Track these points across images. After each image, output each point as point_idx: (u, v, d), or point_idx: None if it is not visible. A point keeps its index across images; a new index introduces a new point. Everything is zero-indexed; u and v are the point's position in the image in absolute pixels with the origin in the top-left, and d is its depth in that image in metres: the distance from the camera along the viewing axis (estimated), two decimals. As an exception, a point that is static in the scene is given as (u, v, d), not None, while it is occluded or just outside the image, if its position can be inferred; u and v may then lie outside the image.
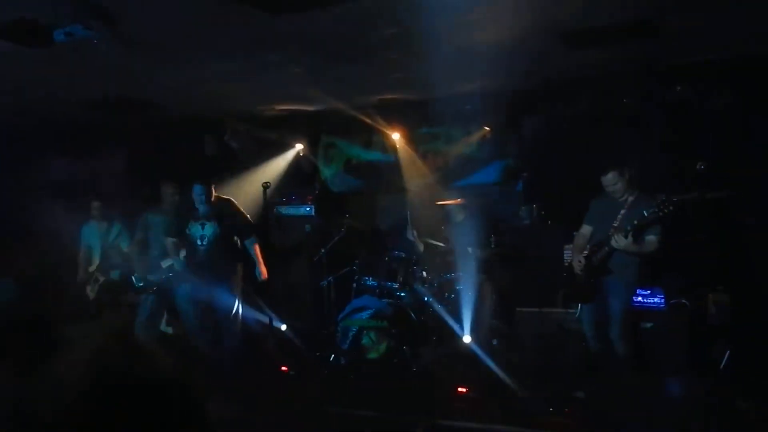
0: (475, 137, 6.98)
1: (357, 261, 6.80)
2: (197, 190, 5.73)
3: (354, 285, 6.63)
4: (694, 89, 5.64)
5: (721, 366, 5.27)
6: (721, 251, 5.76)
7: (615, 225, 5.02)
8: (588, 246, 5.19)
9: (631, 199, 5.06)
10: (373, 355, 5.74)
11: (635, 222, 4.83)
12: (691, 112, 5.67)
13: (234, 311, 5.84)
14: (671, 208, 4.69)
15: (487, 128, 6.89)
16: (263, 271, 5.92)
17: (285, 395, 4.99)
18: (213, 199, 5.87)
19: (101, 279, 6.65)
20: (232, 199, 6.02)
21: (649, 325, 5.65)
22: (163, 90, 6.04)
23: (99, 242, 6.71)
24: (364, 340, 5.78)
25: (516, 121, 6.69)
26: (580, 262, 5.19)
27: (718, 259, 5.75)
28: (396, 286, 6.28)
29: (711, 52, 5.21)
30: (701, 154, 5.49)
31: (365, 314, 5.86)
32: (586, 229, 5.33)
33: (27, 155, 7.42)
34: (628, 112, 5.83)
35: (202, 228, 5.83)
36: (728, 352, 5.29)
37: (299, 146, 7.83)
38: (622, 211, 5.04)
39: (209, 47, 4.84)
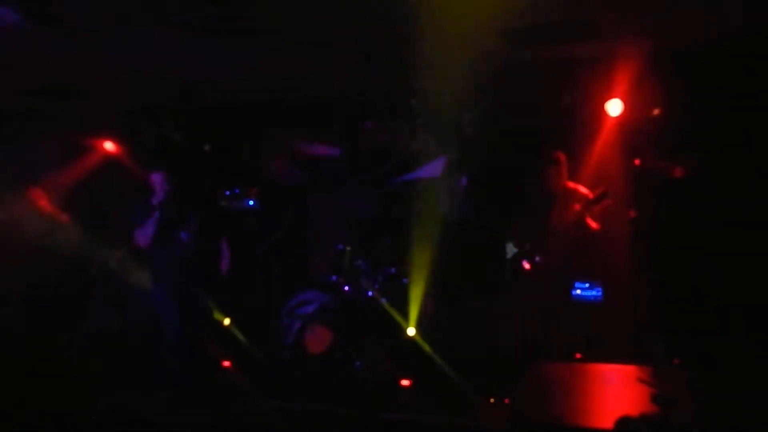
0: (420, 132, 7.01)
1: (300, 255, 6.76)
2: (157, 178, 5.48)
3: (297, 279, 6.59)
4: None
5: (657, 357, 5.45)
6: (657, 244, 5.95)
7: (553, 216, 5.18)
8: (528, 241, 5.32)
9: (563, 189, 5.25)
10: (316, 350, 5.71)
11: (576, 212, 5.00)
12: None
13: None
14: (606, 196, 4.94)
15: (432, 123, 6.92)
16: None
17: (227, 389, 4.92)
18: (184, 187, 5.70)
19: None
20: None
21: (587, 317, 5.80)
22: (99, 77, 5.86)
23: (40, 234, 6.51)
24: (307, 335, 5.74)
25: (460, 116, 6.74)
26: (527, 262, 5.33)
27: (653, 253, 5.94)
28: (340, 279, 6.25)
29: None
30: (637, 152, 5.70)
31: (310, 308, 5.82)
32: (522, 220, 5.49)
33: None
34: (565, 107, 5.97)
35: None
36: (663, 343, 5.48)
37: (243, 138, 7.71)
38: (556, 201, 5.20)
39: (147, 35, 4.72)
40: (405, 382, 5.30)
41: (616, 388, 3.34)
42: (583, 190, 5.30)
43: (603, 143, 5.78)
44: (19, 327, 6.09)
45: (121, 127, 7.37)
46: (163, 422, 4.41)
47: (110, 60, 5.30)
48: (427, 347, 5.70)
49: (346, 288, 6.20)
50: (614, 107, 5.62)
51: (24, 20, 4.12)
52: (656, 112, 5.68)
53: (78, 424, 4.07)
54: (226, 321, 6.37)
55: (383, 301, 6.04)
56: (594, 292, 5.92)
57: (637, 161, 5.69)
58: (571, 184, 5.38)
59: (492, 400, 4.85)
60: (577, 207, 5.08)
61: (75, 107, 6.96)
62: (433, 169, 7.25)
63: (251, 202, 7.78)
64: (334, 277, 6.29)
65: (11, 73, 5.58)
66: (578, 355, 5.33)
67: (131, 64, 5.44)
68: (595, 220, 5.14)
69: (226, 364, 5.75)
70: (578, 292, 5.90)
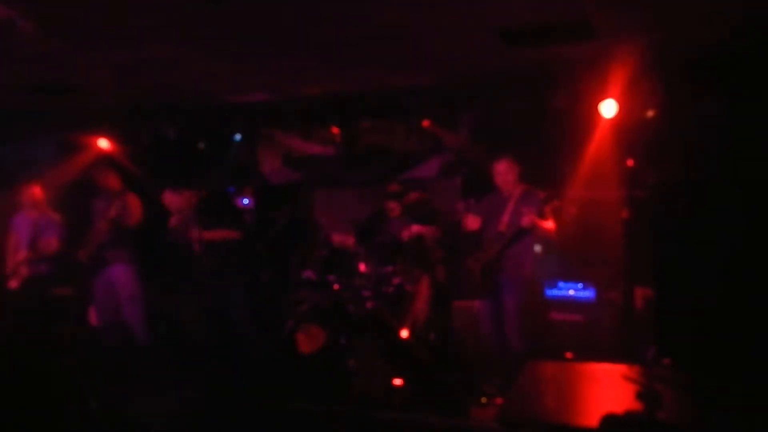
0: (416, 132, 7.03)
1: (295, 253, 6.76)
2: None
3: (290, 278, 6.58)
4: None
5: (648, 357, 5.45)
6: (649, 247, 5.97)
7: (504, 219, 5.17)
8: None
9: (518, 192, 5.25)
10: (309, 349, 5.70)
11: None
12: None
13: None
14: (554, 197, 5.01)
15: (428, 123, 6.94)
16: None
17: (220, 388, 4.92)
18: None
19: (26, 272, 6.42)
20: None
21: (579, 317, 5.82)
22: (94, 75, 5.85)
23: (29, 231, 6.48)
24: (300, 334, 5.73)
25: (456, 116, 6.76)
26: (477, 260, 5.35)
27: (647, 255, 5.95)
28: (333, 279, 6.25)
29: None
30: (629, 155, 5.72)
31: (303, 307, 5.82)
32: (472, 220, 5.47)
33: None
34: (558, 108, 5.98)
35: None
36: (654, 347, 5.48)
37: (237, 137, 7.71)
38: (510, 205, 5.22)
39: (141, 33, 4.73)
40: (398, 382, 5.29)
41: (607, 387, 3.35)
42: (541, 195, 5.22)
43: (596, 144, 5.80)
44: (20, 326, 6.09)
45: (117, 125, 7.37)
46: (154, 422, 4.41)
47: (105, 57, 5.30)
48: (420, 347, 5.69)
49: (340, 287, 6.19)
50: (608, 108, 5.63)
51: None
52: (651, 113, 5.70)
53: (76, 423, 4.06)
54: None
55: (377, 300, 6.03)
56: (587, 293, 5.94)
57: (630, 162, 5.71)
58: (527, 188, 5.32)
59: (484, 400, 4.86)
60: (528, 209, 5.05)
61: (69, 105, 6.96)
62: (430, 168, 7.27)
63: (246, 201, 7.80)
64: (328, 276, 6.29)
65: (5, 69, 5.58)
66: (569, 355, 5.34)
67: (126, 62, 5.44)
68: (548, 222, 5.11)
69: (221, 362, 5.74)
70: (571, 292, 5.92)
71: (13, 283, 6.34)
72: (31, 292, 6.32)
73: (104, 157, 7.02)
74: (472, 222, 5.45)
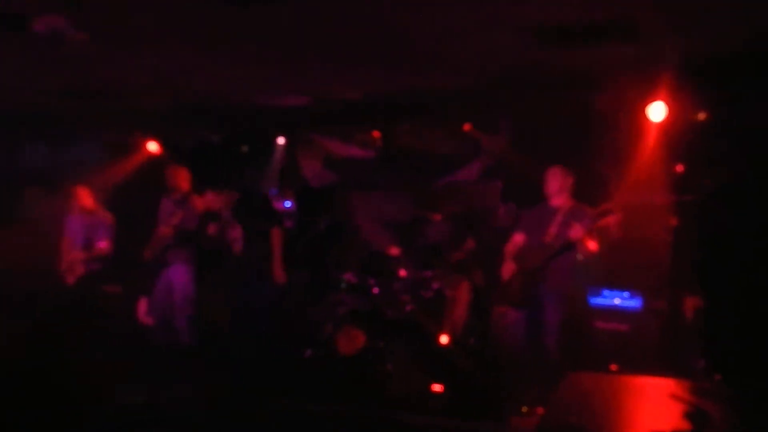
0: (455, 135, 6.96)
1: (334, 256, 6.77)
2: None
3: (330, 280, 6.59)
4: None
5: (697, 372, 5.27)
6: (699, 254, 5.78)
7: (552, 231, 5.04)
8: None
9: (567, 205, 5.10)
10: (347, 352, 5.69)
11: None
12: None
13: None
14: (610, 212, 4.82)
15: (467, 126, 6.86)
16: None
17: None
18: None
19: (81, 269, 6.59)
20: None
21: (624, 327, 5.66)
22: (138, 79, 5.96)
23: (82, 232, 6.65)
24: (339, 337, 5.73)
25: (496, 119, 6.67)
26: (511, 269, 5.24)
27: (696, 262, 5.76)
28: (372, 282, 6.23)
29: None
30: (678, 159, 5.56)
31: (341, 310, 5.82)
32: (518, 237, 5.34)
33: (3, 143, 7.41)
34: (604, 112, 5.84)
35: None
36: (703, 358, 5.30)
37: (280, 140, 7.77)
38: (558, 217, 5.07)
39: (178, 39, 4.80)
40: (437, 387, 5.24)
41: (651, 402, 3.22)
42: (590, 212, 5.04)
43: (643, 148, 5.63)
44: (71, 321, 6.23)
45: (161, 128, 7.50)
46: (185, 420, 4.44)
47: (147, 62, 5.39)
48: (459, 352, 5.63)
49: (379, 291, 6.16)
50: (657, 111, 5.47)
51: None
52: (700, 117, 5.52)
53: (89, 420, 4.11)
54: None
55: (416, 305, 5.98)
56: (633, 302, 5.78)
57: (679, 167, 5.53)
58: (577, 203, 5.17)
59: (525, 409, 4.76)
60: (578, 224, 4.89)
61: (115, 108, 7.11)
62: (470, 172, 7.19)
63: (288, 204, 7.85)
64: (366, 279, 6.27)
65: (52, 76, 5.74)
66: (614, 367, 5.20)
67: (169, 67, 5.52)
68: (592, 242, 4.95)
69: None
70: (617, 301, 5.77)
71: (70, 279, 6.53)
72: (83, 289, 6.50)
73: (162, 158, 7.15)
74: (518, 238, 5.37)
